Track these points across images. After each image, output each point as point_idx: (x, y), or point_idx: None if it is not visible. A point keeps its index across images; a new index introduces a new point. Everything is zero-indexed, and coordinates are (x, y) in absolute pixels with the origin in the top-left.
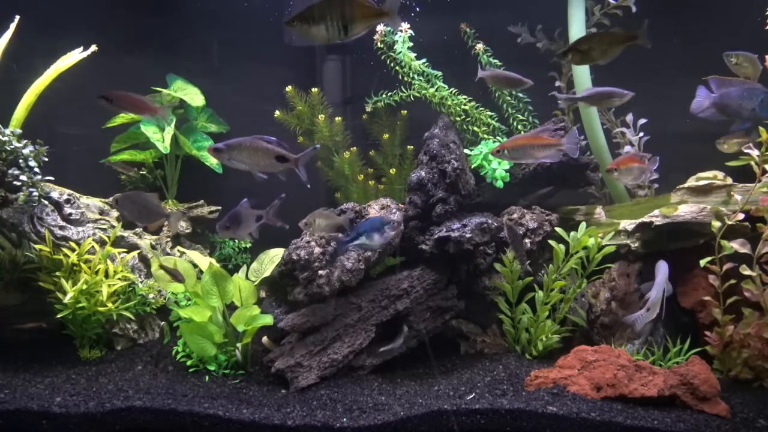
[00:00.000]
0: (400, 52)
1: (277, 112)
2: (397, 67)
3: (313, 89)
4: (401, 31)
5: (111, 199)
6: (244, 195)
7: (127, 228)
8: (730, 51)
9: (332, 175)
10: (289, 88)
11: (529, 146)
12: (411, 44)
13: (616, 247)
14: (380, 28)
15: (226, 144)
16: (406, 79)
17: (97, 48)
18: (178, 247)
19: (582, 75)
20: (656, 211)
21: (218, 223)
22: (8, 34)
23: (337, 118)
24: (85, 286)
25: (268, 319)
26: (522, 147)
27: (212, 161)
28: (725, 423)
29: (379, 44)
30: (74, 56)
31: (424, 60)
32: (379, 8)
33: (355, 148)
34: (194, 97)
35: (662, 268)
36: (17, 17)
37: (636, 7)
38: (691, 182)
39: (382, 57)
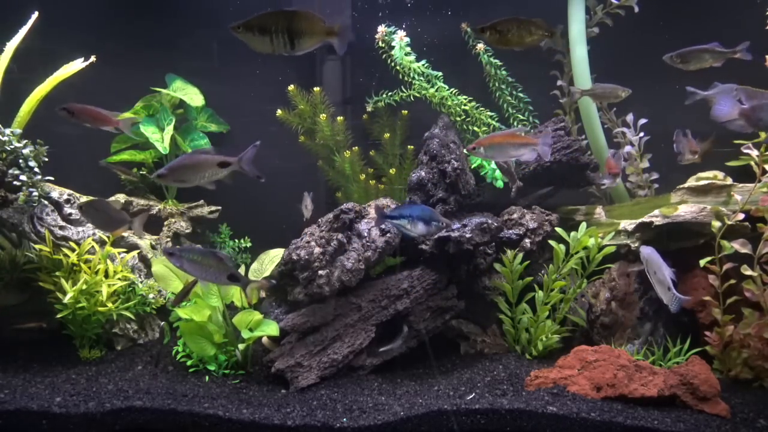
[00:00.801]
0: (398, 57)
1: (279, 111)
2: (397, 68)
3: (315, 88)
4: (398, 38)
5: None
6: (244, 194)
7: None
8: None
9: (333, 175)
10: (291, 87)
11: (505, 144)
12: (408, 49)
13: (616, 247)
14: (381, 28)
15: (168, 168)
16: (406, 79)
17: (95, 59)
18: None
19: (582, 75)
20: (656, 211)
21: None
22: (24, 30)
23: (339, 118)
24: (85, 286)
25: (273, 329)
26: (497, 145)
27: None
28: (725, 423)
29: (380, 44)
30: (75, 65)
31: (423, 61)
32: (329, 27)
33: (356, 147)
34: (194, 97)
35: (648, 251)
36: (35, 13)
37: (638, 6)
38: (691, 182)
39: (383, 56)
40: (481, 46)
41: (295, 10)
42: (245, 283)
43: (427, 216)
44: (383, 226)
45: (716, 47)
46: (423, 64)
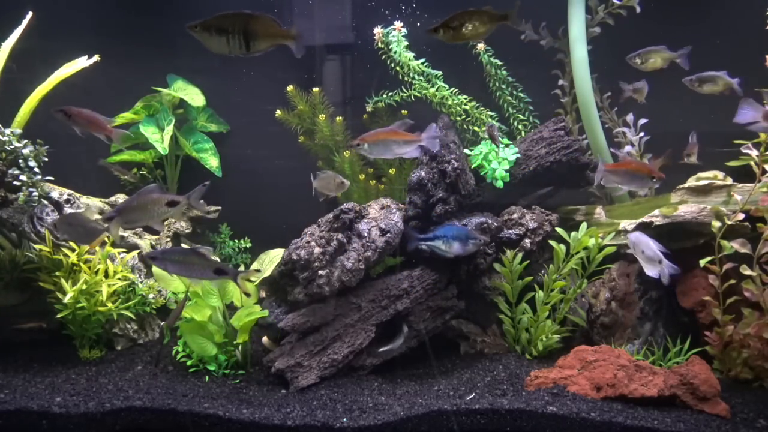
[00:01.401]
0: (396, 52)
1: (279, 112)
2: (397, 67)
3: (314, 89)
4: (395, 29)
5: (54, 223)
6: (244, 194)
7: (126, 228)
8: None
9: None
10: (290, 88)
11: (389, 141)
12: (406, 43)
13: (617, 247)
14: (377, 30)
15: (117, 210)
16: (406, 79)
17: (99, 58)
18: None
19: (582, 76)
20: (656, 211)
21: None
22: (19, 31)
23: (338, 118)
24: (84, 286)
25: (263, 312)
26: (382, 141)
27: (212, 164)
28: (725, 423)
29: (379, 44)
30: (78, 64)
31: (423, 60)
32: (284, 30)
33: (354, 149)
34: (195, 97)
35: (635, 235)
36: (30, 13)
37: (640, 6)
38: (691, 182)
39: (383, 57)
40: (481, 45)
41: (252, 12)
42: (234, 274)
43: (463, 235)
44: (383, 226)
45: (664, 49)
46: (422, 63)
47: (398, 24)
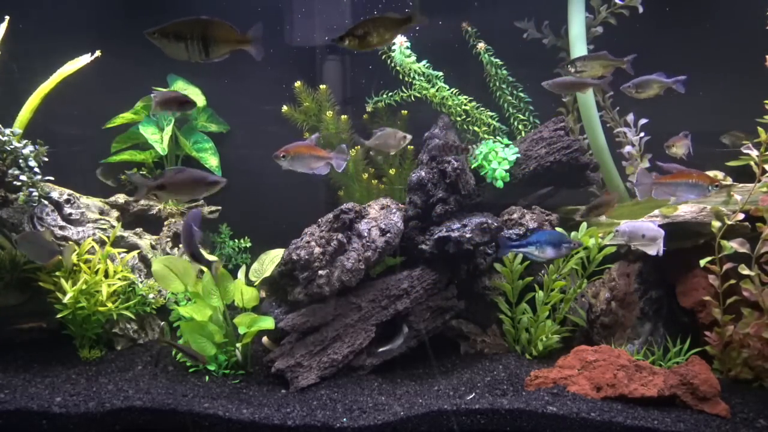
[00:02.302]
0: (398, 59)
1: (285, 108)
2: (397, 68)
3: (321, 86)
4: (397, 41)
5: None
6: (244, 194)
7: (126, 228)
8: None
9: (336, 174)
10: (297, 84)
11: (305, 155)
12: (408, 52)
13: (617, 247)
14: None
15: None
16: (407, 79)
17: (101, 53)
18: (177, 248)
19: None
20: (656, 211)
21: None
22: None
23: (343, 116)
24: (84, 286)
25: (269, 323)
26: (300, 155)
27: (211, 163)
28: (725, 423)
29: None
30: (81, 61)
31: (424, 62)
32: (242, 35)
33: (359, 146)
34: (195, 97)
35: (624, 227)
36: (6, 18)
37: (643, 6)
38: None
39: (383, 57)
40: (482, 45)
41: (210, 18)
42: (207, 263)
43: (555, 239)
44: (383, 226)
45: (657, 78)
46: (424, 65)
47: (401, 38)
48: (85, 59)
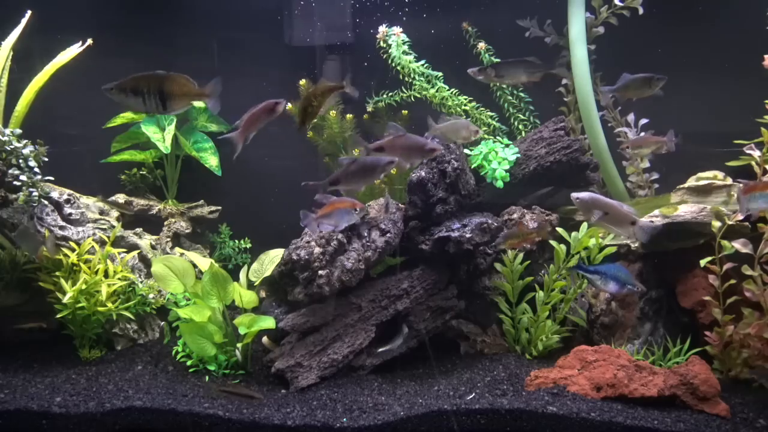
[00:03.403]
0: (396, 56)
1: (290, 105)
2: (397, 68)
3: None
4: (394, 34)
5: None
6: (244, 194)
7: (126, 228)
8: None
9: None
10: (302, 82)
11: None
12: (406, 48)
13: (617, 247)
14: (381, 29)
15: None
16: (407, 79)
17: (92, 42)
18: (177, 248)
19: (582, 76)
20: (656, 211)
21: None
22: (18, 30)
23: (348, 116)
24: (84, 286)
25: (270, 323)
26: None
27: (211, 163)
28: (725, 423)
29: (381, 44)
30: (72, 51)
31: (423, 61)
32: (199, 89)
33: (361, 147)
34: None
35: (582, 194)
36: (29, 12)
37: (643, 7)
38: (691, 182)
39: (384, 56)
40: (482, 45)
41: (167, 73)
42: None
43: (622, 277)
44: (383, 226)
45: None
46: (423, 64)
47: (397, 29)
48: (75, 48)
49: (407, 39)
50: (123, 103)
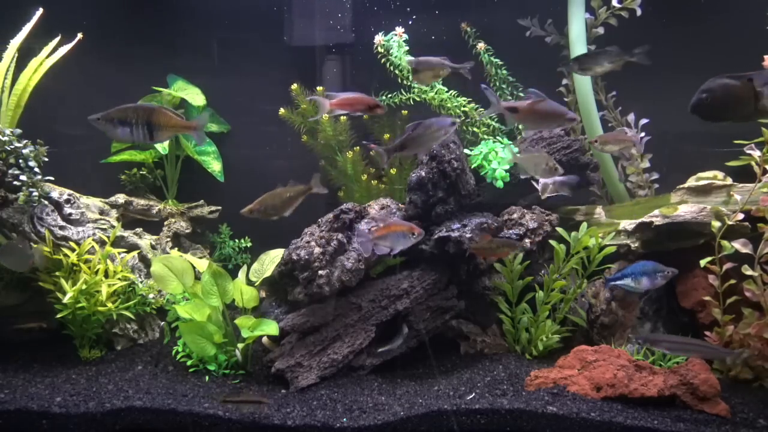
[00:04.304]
0: (397, 56)
1: (282, 110)
2: (396, 71)
3: (318, 87)
4: (396, 35)
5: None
6: (244, 194)
7: (126, 228)
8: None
9: (335, 175)
10: (294, 86)
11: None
12: (407, 48)
13: (617, 247)
14: (378, 38)
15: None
16: (405, 82)
17: (82, 37)
18: (176, 249)
19: (582, 79)
20: (656, 211)
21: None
22: (27, 28)
23: (342, 118)
24: (84, 286)
25: (273, 328)
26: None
27: (214, 168)
28: (725, 423)
29: (379, 48)
30: (61, 51)
31: None
32: (186, 122)
33: (357, 147)
34: (195, 97)
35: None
36: (40, 10)
37: (641, 9)
38: (691, 182)
39: (382, 61)
40: (482, 45)
41: (154, 106)
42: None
43: (649, 270)
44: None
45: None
46: None
47: (399, 30)
48: (64, 49)
49: (407, 39)
50: (109, 133)
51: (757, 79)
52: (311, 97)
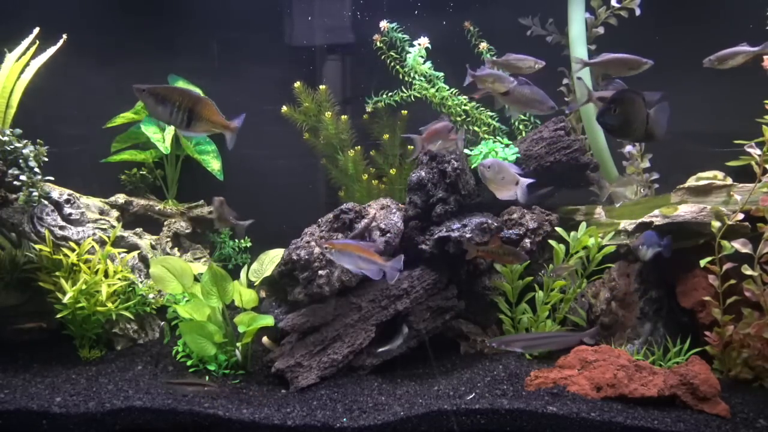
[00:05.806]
0: (412, 62)
1: (284, 108)
2: (398, 67)
3: (321, 86)
4: (419, 44)
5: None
6: (244, 194)
7: (126, 228)
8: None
9: (336, 174)
10: (297, 84)
11: (355, 255)
12: (425, 53)
13: (616, 247)
14: (381, 29)
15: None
16: (406, 79)
17: (66, 37)
18: (176, 249)
19: (582, 76)
20: (656, 211)
21: None
22: (53, 50)
23: (343, 117)
24: (84, 286)
25: (269, 321)
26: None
27: (214, 167)
28: (725, 423)
29: (378, 44)
30: (49, 51)
31: (429, 63)
32: (225, 121)
33: (358, 147)
34: None
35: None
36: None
37: (640, 9)
38: (691, 182)
39: (382, 57)
40: (484, 45)
41: (201, 96)
42: None
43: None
44: (383, 226)
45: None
46: (429, 67)
47: (424, 40)
48: (52, 49)
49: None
50: (149, 107)
51: (648, 99)
52: (406, 135)
